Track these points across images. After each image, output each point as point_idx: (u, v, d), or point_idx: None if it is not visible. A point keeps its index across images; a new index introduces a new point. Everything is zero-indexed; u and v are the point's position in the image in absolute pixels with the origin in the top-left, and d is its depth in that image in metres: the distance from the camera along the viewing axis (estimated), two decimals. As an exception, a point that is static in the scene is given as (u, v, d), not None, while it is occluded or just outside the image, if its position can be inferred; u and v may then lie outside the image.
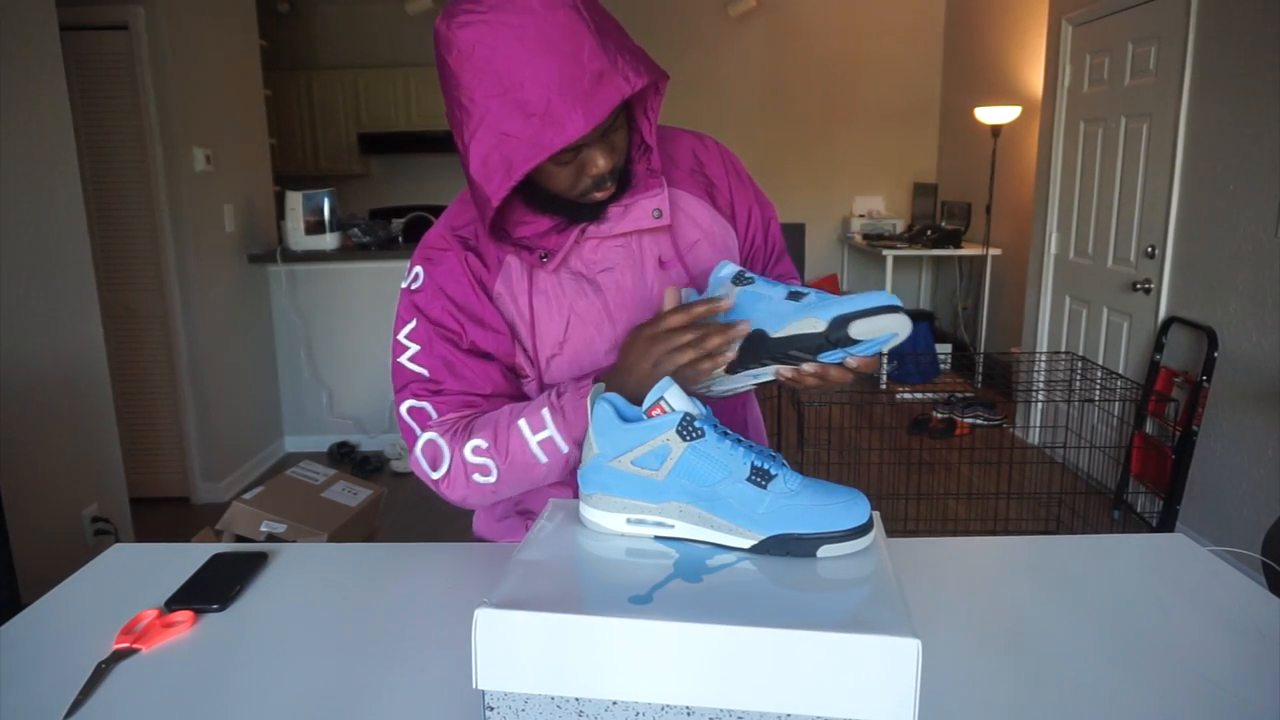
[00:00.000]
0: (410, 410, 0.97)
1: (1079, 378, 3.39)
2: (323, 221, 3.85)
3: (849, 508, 0.73)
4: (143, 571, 1.01)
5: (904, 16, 5.90)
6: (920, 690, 0.60)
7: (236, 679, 0.80)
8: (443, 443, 0.95)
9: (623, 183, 0.96)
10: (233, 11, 3.76)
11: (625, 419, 0.77)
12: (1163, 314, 3.13)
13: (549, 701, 0.64)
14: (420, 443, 0.96)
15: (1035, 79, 4.30)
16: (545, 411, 0.91)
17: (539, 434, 0.91)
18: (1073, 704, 0.74)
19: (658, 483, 0.74)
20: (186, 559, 1.02)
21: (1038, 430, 3.99)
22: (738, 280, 0.90)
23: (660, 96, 0.94)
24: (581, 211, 0.95)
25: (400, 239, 4.19)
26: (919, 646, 0.59)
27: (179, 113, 3.28)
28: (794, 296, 0.87)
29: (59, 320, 2.48)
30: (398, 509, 3.41)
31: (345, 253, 3.89)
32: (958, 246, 5.11)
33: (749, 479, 0.73)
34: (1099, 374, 3.27)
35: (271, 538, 2.26)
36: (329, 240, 3.86)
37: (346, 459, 3.92)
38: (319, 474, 2.58)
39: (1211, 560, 1.00)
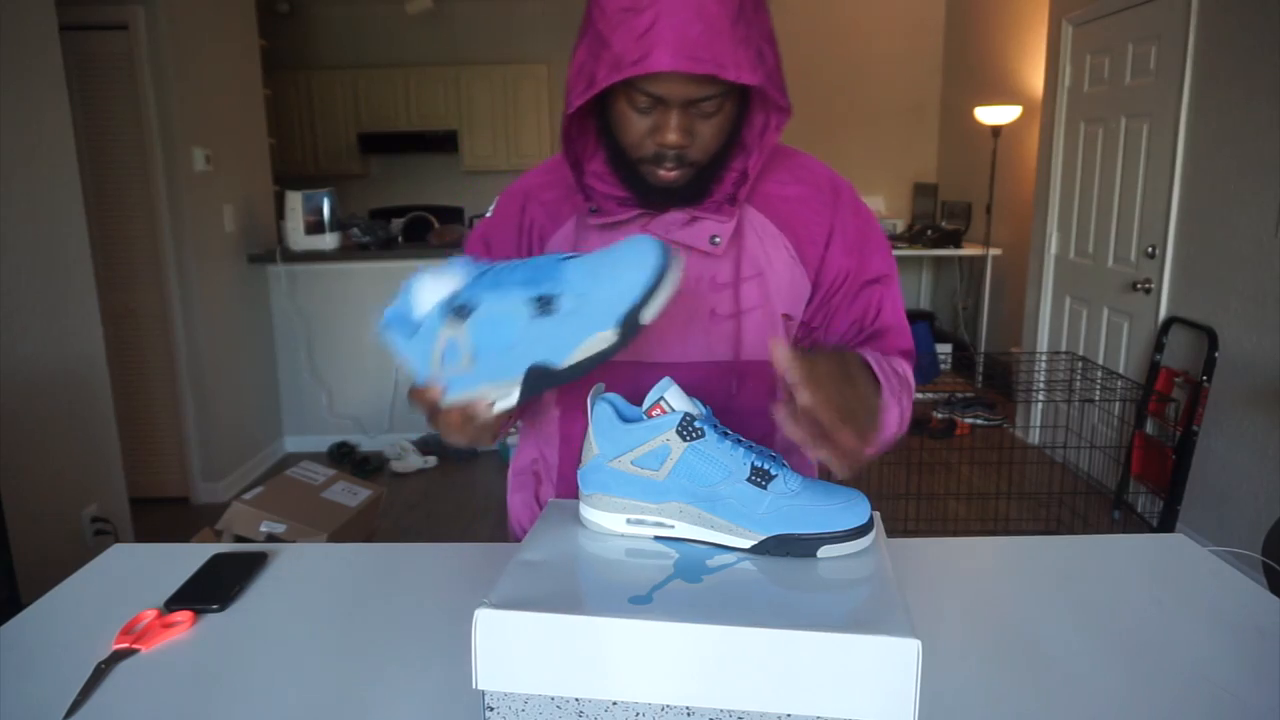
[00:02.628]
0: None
1: (1079, 378, 3.39)
2: (322, 221, 3.85)
3: (849, 508, 0.72)
4: (142, 571, 1.01)
5: (904, 16, 5.90)
6: (920, 690, 0.60)
7: (236, 679, 0.80)
8: None
9: (701, 189, 0.92)
10: (233, 11, 3.76)
11: (625, 419, 0.76)
12: (1163, 314, 3.13)
13: (549, 702, 0.64)
14: None
15: (1035, 79, 4.30)
16: None
17: None
18: (1073, 704, 0.74)
19: (658, 483, 0.74)
20: (186, 559, 1.02)
21: (1038, 430, 3.99)
22: (457, 312, 0.72)
23: (773, 133, 0.90)
24: (648, 192, 0.91)
25: (400, 239, 4.19)
26: (919, 647, 0.59)
27: (179, 113, 3.28)
28: (540, 304, 0.72)
29: (59, 320, 2.48)
30: (398, 509, 3.41)
31: (345, 252, 3.89)
32: (958, 246, 5.11)
33: (749, 479, 0.72)
34: (1099, 374, 3.27)
35: (271, 538, 2.26)
36: (329, 240, 3.86)
37: (346, 459, 3.92)
38: (319, 474, 2.58)
39: (1212, 560, 1.00)
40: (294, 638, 0.87)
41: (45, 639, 0.87)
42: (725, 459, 0.73)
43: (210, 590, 0.95)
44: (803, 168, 1.02)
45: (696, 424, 0.73)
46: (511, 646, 0.63)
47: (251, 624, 0.90)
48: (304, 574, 1.01)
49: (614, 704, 0.63)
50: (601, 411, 0.76)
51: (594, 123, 0.92)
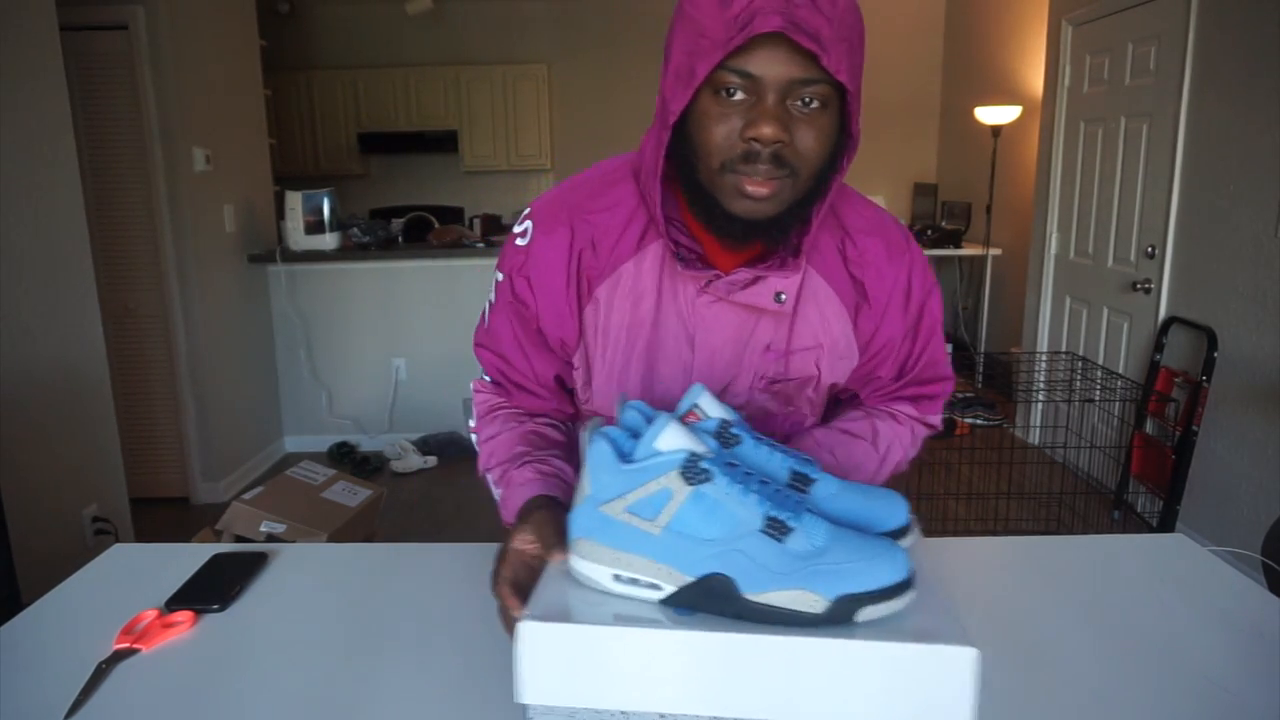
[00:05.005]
0: (475, 349, 1.02)
1: (1079, 378, 3.39)
2: (322, 221, 3.85)
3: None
4: (143, 571, 1.01)
5: (904, 16, 5.90)
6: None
7: (236, 679, 0.80)
8: (474, 406, 1.02)
9: (785, 229, 0.82)
10: (233, 11, 3.76)
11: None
12: (1163, 314, 3.13)
13: (594, 715, 0.63)
14: (472, 389, 1.03)
15: (1035, 79, 4.30)
16: (494, 490, 0.94)
17: (495, 492, 0.94)
18: (1073, 704, 0.74)
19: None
20: (186, 559, 1.02)
21: (1038, 430, 3.98)
22: (688, 471, 0.63)
23: (837, 174, 0.81)
24: (729, 225, 0.80)
25: (400, 239, 4.19)
26: (976, 655, 0.57)
27: (179, 113, 3.28)
28: (771, 525, 0.63)
29: (59, 320, 2.47)
30: (398, 509, 3.41)
31: (345, 253, 3.89)
32: (958, 246, 5.11)
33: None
34: (1099, 374, 3.27)
35: (271, 538, 2.26)
36: (329, 240, 3.85)
37: (346, 459, 3.92)
38: (319, 474, 2.58)
39: (1212, 560, 1.00)
40: (294, 638, 0.87)
41: (46, 639, 0.87)
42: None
43: (210, 590, 0.95)
44: (868, 223, 0.93)
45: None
46: (555, 659, 0.61)
47: (251, 624, 0.90)
48: (304, 574, 1.01)
49: (661, 717, 0.62)
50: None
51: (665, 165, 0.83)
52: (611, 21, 6.12)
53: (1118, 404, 3.23)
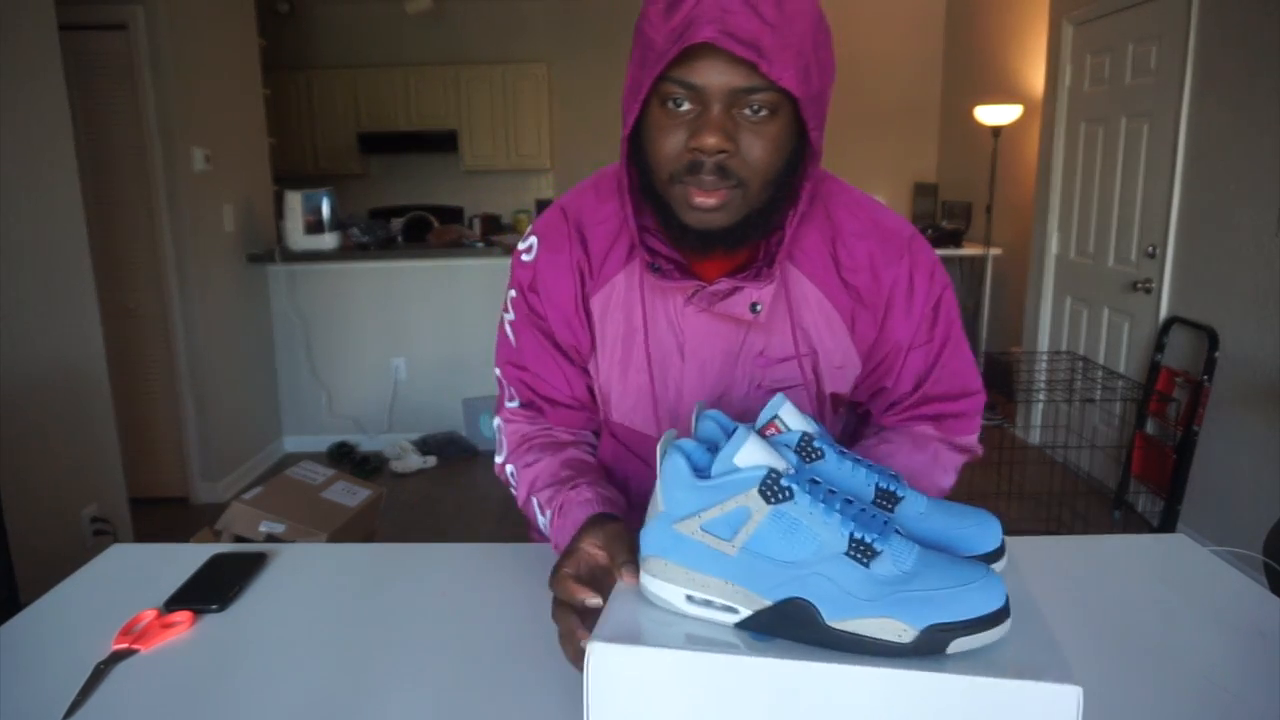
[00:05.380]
0: (500, 375, 1.01)
1: (1080, 378, 3.39)
2: (322, 221, 3.85)
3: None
4: (142, 572, 1.01)
5: (904, 16, 5.90)
6: None
7: (236, 680, 0.79)
8: (503, 438, 1.00)
9: (745, 237, 0.81)
10: (232, 11, 3.76)
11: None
12: (1163, 314, 3.12)
13: None
14: (496, 421, 1.02)
15: (1035, 79, 4.30)
16: (541, 514, 0.91)
17: (541, 516, 0.91)
18: (1074, 704, 0.74)
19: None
20: (185, 559, 1.02)
21: (1038, 430, 3.98)
22: (768, 490, 0.60)
23: (806, 180, 0.80)
24: (685, 235, 0.81)
25: (400, 238, 4.19)
26: (1080, 695, 0.53)
27: (178, 113, 3.28)
28: (857, 547, 0.59)
29: (59, 320, 2.47)
30: (398, 509, 3.41)
31: (344, 252, 3.89)
32: (958, 246, 5.11)
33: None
34: (1100, 374, 3.26)
35: (271, 538, 2.26)
36: (328, 240, 3.85)
37: (346, 459, 3.92)
38: (318, 474, 2.58)
39: (1212, 560, 1.00)
40: (294, 638, 0.87)
41: (45, 639, 0.87)
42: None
43: (210, 590, 0.94)
44: (870, 220, 0.91)
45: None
46: (625, 682, 0.58)
47: (251, 624, 0.90)
48: (304, 574, 1.01)
49: None
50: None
51: (636, 173, 0.84)
52: (611, 21, 6.12)
53: (1118, 404, 3.22)
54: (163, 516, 3.36)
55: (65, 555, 2.34)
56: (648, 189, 0.82)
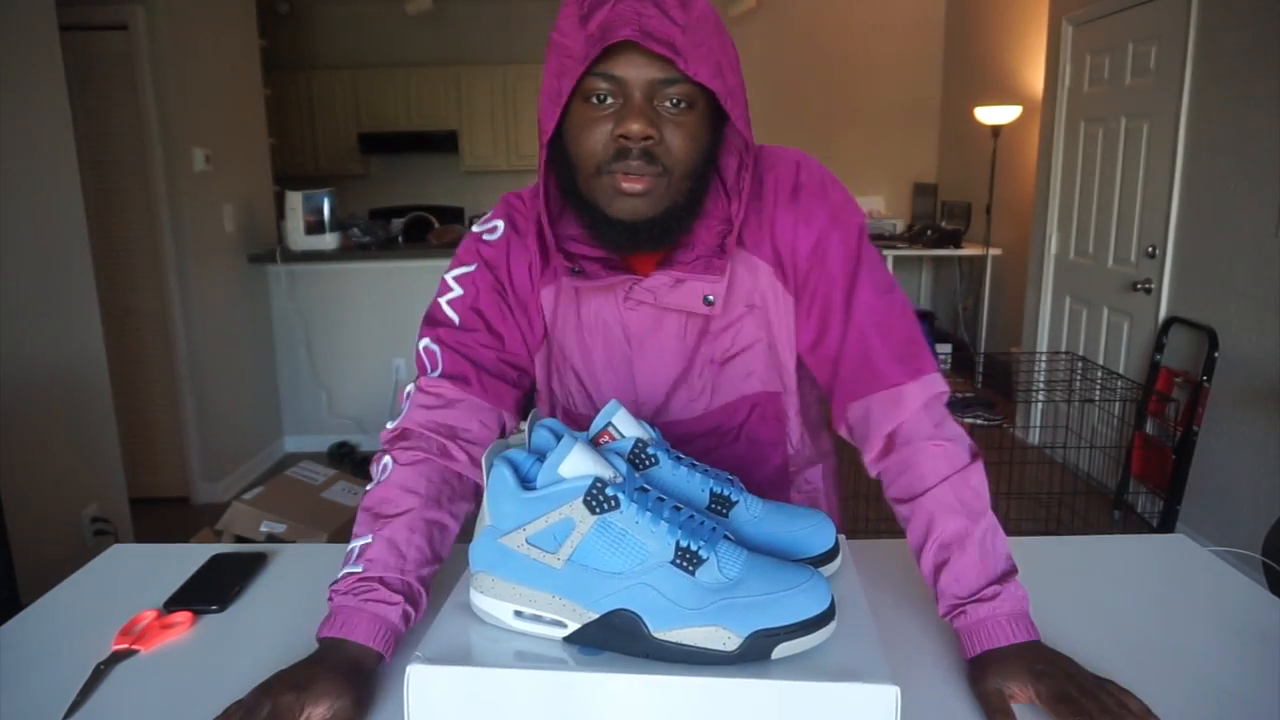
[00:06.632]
0: (425, 350, 0.94)
1: (1079, 378, 3.39)
2: (322, 221, 3.85)
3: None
4: (142, 572, 1.01)
5: (904, 16, 5.90)
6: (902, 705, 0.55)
7: (235, 680, 0.79)
8: (406, 406, 0.90)
9: (671, 231, 0.83)
10: (232, 11, 3.76)
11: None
12: (1163, 314, 3.12)
13: None
14: (408, 388, 0.93)
15: (1035, 79, 4.30)
16: (359, 534, 0.81)
17: (358, 538, 0.81)
18: (1073, 705, 0.74)
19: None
20: (186, 559, 1.02)
21: (1038, 430, 3.98)
22: (594, 499, 0.59)
23: (745, 171, 0.84)
24: (613, 231, 0.82)
25: (400, 239, 4.19)
26: (897, 693, 0.55)
27: (179, 113, 3.28)
28: (682, 555, 0.58)
29: (59, 320, 2.47)
30: (397, 509, 3.41)
31: (345, 253, 3.89)
32: (958, 246, 5.11)
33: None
34: (1099, 374, 3.26)
35: (271, 538, 2.26)
36: (329, 240, 3.85)
37: (346, 459, 3.92)
38: (319, 474, 2.58)
39: (1212, 560, 1.00)
40: (294, 638, 0.87)
41: (44, 639, 0.87)
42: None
43: (210, 591, 0.94)
44: (789, 184, 0.90)
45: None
46: (449, 704, 0.57)
47: (251, 624, 0.90)
48: (304, 574, 1.01)
49: None
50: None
51: (556, 182, 0.86)
52: (611, 21, 6.12)
53: (1118, 404, 3.22)
54: (163, 517, 3.36)
55: (65, 555, 2.34)
56: (570, 192, 0.84)
